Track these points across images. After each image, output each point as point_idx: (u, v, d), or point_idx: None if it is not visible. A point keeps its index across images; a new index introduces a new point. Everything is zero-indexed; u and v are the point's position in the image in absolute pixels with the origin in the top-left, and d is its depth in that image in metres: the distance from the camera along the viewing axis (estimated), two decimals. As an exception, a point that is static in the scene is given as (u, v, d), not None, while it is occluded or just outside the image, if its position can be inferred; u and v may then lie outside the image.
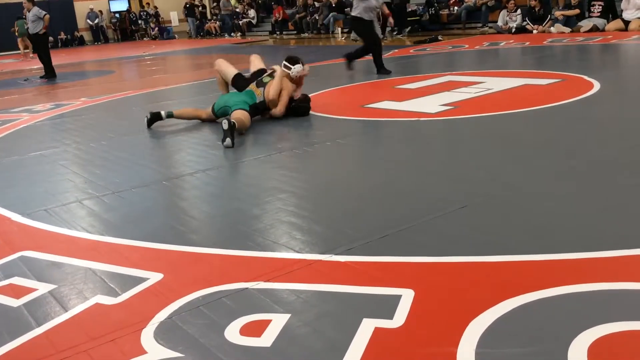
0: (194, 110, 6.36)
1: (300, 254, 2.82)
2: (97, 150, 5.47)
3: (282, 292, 2.45)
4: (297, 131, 5.71)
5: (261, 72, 6.49)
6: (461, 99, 6.30)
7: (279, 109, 5.98)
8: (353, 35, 14.56)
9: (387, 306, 2.26)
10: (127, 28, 28.74)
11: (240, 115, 5.47)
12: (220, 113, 5.96)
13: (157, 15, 28.47)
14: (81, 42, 27.50)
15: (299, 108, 6.12)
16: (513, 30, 13.59)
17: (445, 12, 16.68)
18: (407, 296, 2.31)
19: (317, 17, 20.15)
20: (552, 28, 12.92)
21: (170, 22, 28.59)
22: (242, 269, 2.73)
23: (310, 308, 2.32)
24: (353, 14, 8.80)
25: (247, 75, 6.47)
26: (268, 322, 2.22)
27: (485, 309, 2.17)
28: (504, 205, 3.24)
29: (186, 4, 26.52)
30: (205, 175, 4.36)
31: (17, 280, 2.79)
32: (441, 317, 2.17)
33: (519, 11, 13.82)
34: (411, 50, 12.37)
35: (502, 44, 12.02)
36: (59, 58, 16.29)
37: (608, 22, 12.33)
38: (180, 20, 28.41)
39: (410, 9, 16.66)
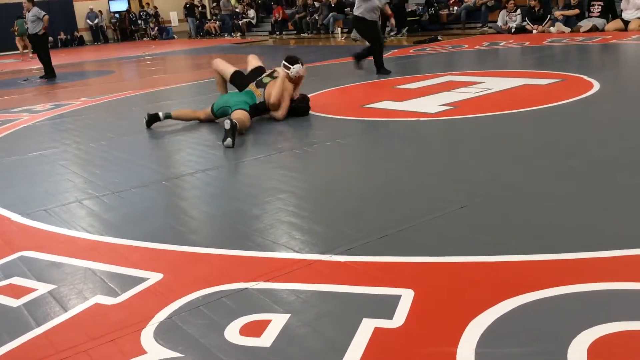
0: (192, 111, 6.36)
1: (300, 254, 2.82)
2: (96, 151, 5.47)
3: (281, 292, 2.45)
4: (297, 131, 5.71)
5: (259, 70, 6.49)
6: (461, 99, 6.30)
7: (281, 114, 5.98)
8: (353, 34, 14.54)
9: (386, 306, 2.26)
10: (126, 28, 28.73)
11: (240, 115, 5.47)
12: (219, 113, 5.96)
13: (156, 15, 28.46)
14: (81, 42, 27.49)
15: (298, 108, 6.12)
16: (513, 30, 13.59)
17: (444, 12, 16.67)
18: (406, 296, 2.31)
19: (316, 17, 20.15)
20: (551, 28, 12.92)
21: (170, 22, 28.58)
22: (242, 269, 2.73)
23: (310, 308, 2.32)
24: (355, 13, 8.79)
25: (245, 72, 6.48)
26: (268, 322, 2.22)
27: (485, 309, 2.17)
28: (504, 205, 3.24)
29: (186, 4, 26.52)
30: (205, 175, 4.36)
31: (16, 281, 2.79)
32: (441, 317, 2.17)
33: (518, 11, 13.82)
34: (411, 50, 12.37)
35: (501, 44, 12.03)
36: (58, 58, 16.29)
37: (608, 22, 12.33)
38: (180, 21, 28.40)
39: (409, 9, 16.66)
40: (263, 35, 22.81)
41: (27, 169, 4.99)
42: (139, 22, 28.54)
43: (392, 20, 10.24)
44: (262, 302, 2.38)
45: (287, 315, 2.26)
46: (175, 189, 4.15)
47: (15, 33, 21.49)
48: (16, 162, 5.27)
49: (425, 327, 2.12)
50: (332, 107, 6.49)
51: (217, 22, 25.10)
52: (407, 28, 16.21)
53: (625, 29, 11.87)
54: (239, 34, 23.65)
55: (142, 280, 2.66)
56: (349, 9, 18.06)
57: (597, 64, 8.94)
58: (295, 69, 6.16)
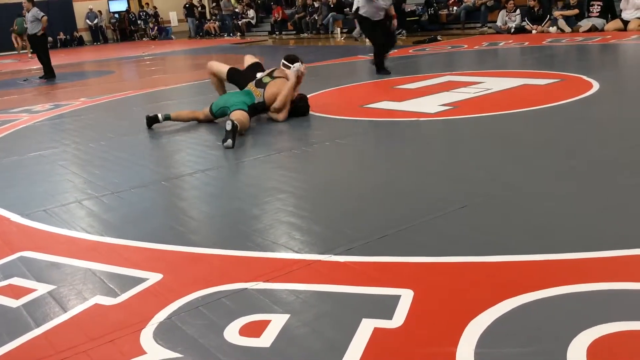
0: (191, 112, 6.35)
1: (299, 254, 2.82)
2: (96, 151, 5.47)
3: (281, 293, 2.45)
4: (296, 131, 5.71)
5: (256, 65, 6.49)
6: (460, 99, 6.30)
7: (282, 116, 5.97)
8: (355, 32, 14.52)
9: (386, 306, 2.25)
10: (126, 28, 28.72)
11: (239, 116, 5.46)
12: (219, 113, 5.96)
13: (156, 15, 28.45)
14: (80, 42, 27.48)
15: (298, 108, 6.12)
16: (512, 30, 13.59)
17: (444, 12, 16.67)
18: (406, 296, 2.31)
19: (316, 17, 20.15)
20: (551, 28, 12.92)
21: (169, 22, 28.57)
22: (241, 269, 2.73)
23: (309, 308, 2.32)
24: (360, 12, 8.78)
25: (241, 69, 6.48)
26: (267, 322, 2.22)
27: (485, 309, 2.17)
28: (504, 205, 3.24)
29: (186, 4, 26.51)
30: (204, 175, 4.36)
31: (16, 281, 2.79)
32: (440, 317, 2.17)
33: (518, 11, 13.82)
34: (410, 51, 12.37)
35: (501, 44, 12.03)
36: (58, 58, 16.29)
37: (607, 22, 12.33)
38: (179, 21, 28.39)
39: (409, 9, 16.65)
40: (262, 35, 22.81)
41: (27, 169, 4.99)
42: (139, 22, 28.53)
43: (395, 22, 10.22)
44: (261, 303, 2.38)
45: (287, 316, 2.25)
46: (174, 189, 4.15)
47: (15, 31, 21.53)
48: (16, 163, 5.27)
49: (424, 327, 2.12)
50: (332, 107, 6.49)
51: (217, 23, 25.10)
52: (401, 31, 16.16)
53: (625, 29, 11.87)
54: (238, 34, 23.65)
55: (141, 280, 2.66)
56: (348, 9, 18.06)
57: (596, 64, 8.94)
58: (296, 67, 6.15)
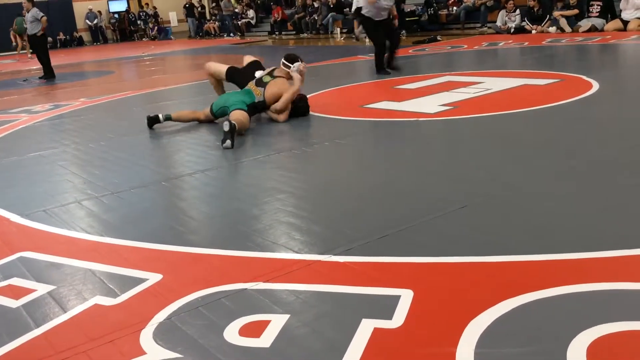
0: (192, 112, 6.34)
1: (299, 254, 2.82)
2: (96, 151, 5.47)
3: (281, 293, 2.45)
4: (296, 131, 5.71)
5: (255, 64, 6.49)
6: (460, 99, 6.30)
7: (283, 117, 5.97)
8: (357, 31, 14.50)
9: (386, 306, 2.25)
10: (126, 28, 28.71)
11: (239, 116, 5.46)
12: (219, 113, 5.95)
13: (156, 15, 28.44)
14: (80, 42, 27.47)
15: (298, 109, 6.11)
16: (512, 30, 13.59)
17: (444, 12, 16.66)
18: (406, 296, 2.31)
19: (316, 18, 20.15)
20: (550, 28, 12.92)
21: (169, 22, 28.57)
22: (241, 269, 2.73)
23: (309, 308, 2.32)
24: (362, 12, 8.77)
25: (240, 67, 6.48)
26: (267, 322, 2.22)
27: (485, 309, 2.17)
28: (504, 205, 3.24)
29: (186, 4, 26.51)
30: (204, 175, 4.36)
31: (16, 281, 2.78)
32: (440, 317, 2.17)
33: (517, 11, 13.82)
34: (410, 51, 12.37)
35: (501, 44, 12.03)
36: (58, 58, 16.28)
37: (607, 22, 12.33)
38: (179, 21, 28.38)
39: (409, 9, 16.64)
40: (262, 35, 22.81)
41: (27, 169, 4.99)
42: (138, 22, 28.52)
43: (396, 22, 10.20)
44: (261, 303, 2.38)
45: (287, 316, 2.25)
46: (174, 190, 4.15)
47: (14, 30, 21.56)
48: (15, 163, 5.27)
49: (424, 328, 2.12)
50: (332, 108, 6.49)
51: (217, 23, 25.09)
52: (401, 31, 16.17)
53: (625, 29, 11.87)
54: (238, 34, 23.65)
55: (141, 280, 2.66)
56: (348, 9, 18.05)
57: (596, 64, 8.94)
58: (296, 66, 6.15)
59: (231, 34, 23.53)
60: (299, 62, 6.18)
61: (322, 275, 2.58)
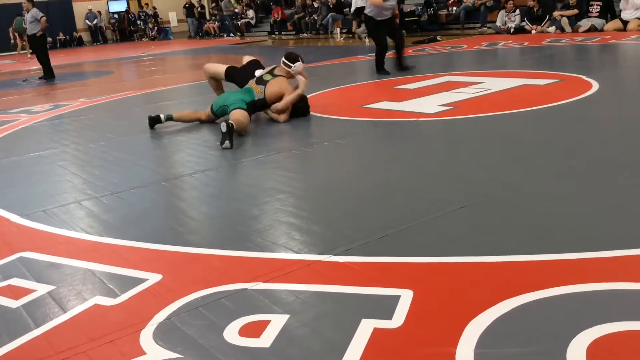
0: (193, 112, 6.33)
1: (299, 254, 2.82)
2: (95, 151, 5.46)
3: (281, 293, 2.45)
4: (295, 131, 5.71)
5: (254, 63, 6.49)
6: (460, 99, 6.30)
7: (283, 117, 5.96)
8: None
9: (386, 306, 2.25)
10: (125, 29, 28.70)
11: (238, 116, 5.45)
12: (219, 112, 5.94)
13: (155, 15, 28.44)
14: (80, 42, 27.45)
15: (298, 109, 6.11)
16: (512, 30, 13.59)
17: (443, 12, 16.66)
18: (405, 296, 2.31)
19: (315, 18, 20.14)
20: (550, 28, 12.91)
21: (169, 22, 28.56)
22: (241, 269, 2.73)
23: (309, 308, 2.32)
24: (365, 12, 8.75)
25: (238, 67, 6.48)
26: (267, 322, 2.22)
27: (485, 309, 2.17)
28: (504, 205, 3.24)
29: (186, 4, 26.51)
30: (204, 175, 4.36)
31: (15, 282, 2.78)
32: (440, 317, 2.17)
33: (517, 11, 13.82)
34: (410, 51, 12.35)
35: (500, 44, 12.03)
36: (57, 59, 16.28)
37: (606, 22, 12.32)
38: (179, 21, 28.37)
39: (408, 10, 16.64)
40: (262, 35, 22.81)
41: (26, 169, 4.99)
42: (138, 22, 28.52)
43: (397, 20, 10.18)
44: (261, 303, 2.38)
45: (287, 316, 2.25)
46: (174, 190, 4.15)
47: (13, 29, 21.59)
48: (15, 163, 5.27)
49: (424, 328, 2.11)
50: (331, 108, 6.49)
51: (216, 23, 25.09)
52: (403, 31, 16.18)
53: (624, 29, 11.87)
54: (238, 34, 23.65)
55: (141, 281, 2.66)
56: (348, 9, 18.06)
57: (596, 64, 8.94)
58: (297, 66, 6.15)
59: (231, 34, 23.53)
60: (300, 62, 6.17)
61: (322, 276, 2.58)
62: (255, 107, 5.90)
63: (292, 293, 2.44)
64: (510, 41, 12.20)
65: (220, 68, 6.60)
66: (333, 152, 4.83)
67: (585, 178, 3.58)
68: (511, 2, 13.89)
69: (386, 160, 4.49)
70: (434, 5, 16.66)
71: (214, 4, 27.22)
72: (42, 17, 12.43)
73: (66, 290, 2.66)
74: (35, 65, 14.67)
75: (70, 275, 2.80)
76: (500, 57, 10.58)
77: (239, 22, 23.91)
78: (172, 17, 28.71)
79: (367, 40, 15.82)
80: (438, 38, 14.16)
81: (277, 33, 21.75)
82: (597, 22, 12.33)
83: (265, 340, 2.11)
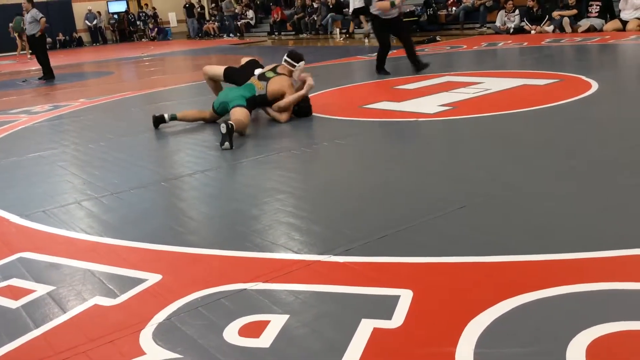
0: (198, 112, 6.31)
1: (298, 254, 2.82)
2: (95, 152, 5.46)
3: (280, 293, 2.45)
4: (295, 132, 5.71)
5: (253, 62, 6.49)
6: (460, 99, 6.30)
7: (284, 118, 5.96)
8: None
9: (385, 306, 2.25)
10: (125, 29, 28.69)
11: (239, 115, 5.43)
12: (220, 109, 5.91)
13: (155, 16, 28.43)
14: (79, 43, 27.45)
15: (300, 109, 6.11)
16: (511, 30, 13.59)
17: (443, 12, 16.66)
18: (405, 296, 2.31)
19: (315, 18, 20.15)
20: (548, 27, 12.91)
21: (168, 23, 28.56)
22: (240, 269, 2.73)
23: (308, 309, 2.32)
24: (371, 11, 8.73)
25: (238, 67, 6.49)
26: (267, 322, 2.22)
27: (484, 309, 2.17)
28: (504, 205, 3.24)
29: (186, 4, 26.52)
30: (203, 176, 4.36)
31: (15, 282, 2.78)
32: (440, 317, 2.17)
33: (517, 11, 13.82)
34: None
35: (500, 44, 12.03)
36: (57, 59, 16.28)
37: (606, 22, 12.33)
38: (178, 21, 28.37)
39: (408, 10, 16.63)
40: (262, 36, 22.82)
41: (26, 170, 4.99)
42: (138, 23, 28.52)
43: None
44: (260, 303, 2.38)
45: (286, 316, 2.25)
46: (174, 190, 4.15)
47: (12, 28, 21.62)
48: (15, 163, 5.26)
49: (424, 328, 2.11)
50: (331, 108, 6.48)
51: (216, 23, 25.09)
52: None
53: (624, 29, 11.86)
54: (237, 34, 23.65)
55: (141, 281, 2.66)
56: (347, 9, 18.06)
57: (595, 64, 8.94)
58: (301, 65, 6.16)
59: (230, 35, 23.53)
60: (303, 62, 6.19)
61: (321, 276, 2.58)
62: (255, 102, 5.86)
63: (291, 293, 2.44)
64: (509, 41, 12.20)
65: (219, 70, 6.61)
66: (333, 152, 4.83)
67: (585, 178, 3.58)
68: (510, 2, 13.90)
69: (386, 160, 4.49)
70: (434, 5, 16.67)
71: (213, 5, 27.22)
72: (41, 17, 12.43)
73: (66, 290, 2.65)
74: (35, 66, 14.67)
75: (70, 275, 2.80)
76: (500, 57, 10.58)
77: (239, 23, 23.92)
78: (172, 17, 28.71)
79: (366, 40, 15.85)
80: (437, 38, 14.16)
81: (276, 33, 21.75)
82: (597, 22, 12.33)
83: (265, 340, 2.11)
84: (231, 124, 5.08)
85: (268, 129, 5.81)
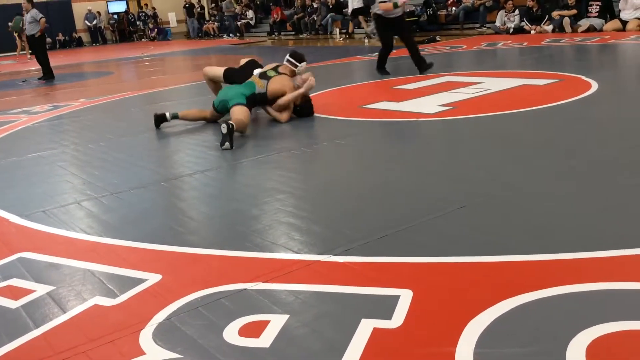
0: (199, 111, 6.31)
1: (298, 254, 2.81)
2: (95, 152, 5.46)
3: (280, 293, 2.45)
4: (295, 132, 5.71)
5: (253, 63, 6.50)
6: (460, 99, 6.30)
7: (285, 117, 5.96)
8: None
9: (385, 306, 2.25)
10: (125, 29, 28.68)
11: (239, 115, 5.43)
12: (220, 108, 5.90)
13: (155, 16, 28.43)
14: (79, 43, 27.44)
15: (302, 109, 6.10)
16: (511, 30, 13.60)
17: (443, 12, 16.66)
18: (405, 296, 2.31)
19: (315, 18, 20.15)
20: (548, 27, 12.91)
21: (168, 23, 28.55)
22: (240, 269, 2.73)
23: (308, 309, 2.32)
24: (373, 10, 8.71)
25: (238, 67, 6.50)
26: (267, 322, 2.22)
27: (484, 309, 2.17)
28: (504, 205, 3.24)
29: (186, 4, 26.51)
30: (203, 176, 4.36)
31: (15, 282, 2.78)
32: (440, 317, 2.17)
33: (516, 11, 13.83)
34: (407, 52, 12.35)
35: (500, 44, 12.03)
36: (57, 59, 16.28)
37: (606, 22, 12.33)
38: (178, 21, 28.37)
39: (408, 10, 16.62)
40: (261, 36, 22.82)
41: (26, 170, 4.99)
42: (138, 23, 28.51)
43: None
44: (260, 303, 2.38)
45: (286, 316, 2.25)
46: (174, 190, 4.15)
47: (11, 27, 21.62)
48: (15, 164, 5.26)
49: (424, 327, 2.11)
50: (331, 108, 6.48)
51: (216, 23, 25.09)
52: None
53: (624, 29, 11.87)
54: (237, 34, 23.65)
55: (140, 281, 2.66)
56: (347, 9, 18.05)
57: (595, 64, 8.95)
58: (302, 67, 6.17)
59: (230, 35, 23.52)
60: (305, 63, 6.20)
61: (321, 276, 2.58)
62: (255, 100, 5.85)
63: (291, 293, 2.44)
64: (509, 41, 12.21)
65: (219, 71, 6.62)
66: (333, 152, 4.83)
67: (585, 178, 3.58)
68: (510, 2, 13.90)
69: (386, 160, 4.49)
70: (433, 5, 16.67)
71: (213, 5, 27.22)
72: (41, 18, 12.43)
73: (66, 290, 2.65)
74: (34, 66, 14.67)
75: (70, 275, 2.80)
76: (500, 58, 10.58)
77: (239, 23, 23.91)
78: (172, 17, 28.70)
79: (366, 40, 15.85)
80: (437, 38, 14.17)
81: (276, 33, 21.75)
82: (597, 22, 12.33)
83: (265, 340, 2.11)
84: (231, 124, 5.08)
85: (268, 129, 5.81)
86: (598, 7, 12.52)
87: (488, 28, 14.89)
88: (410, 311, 2.21)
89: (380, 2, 8.40)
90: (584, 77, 6.85)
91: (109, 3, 28.87)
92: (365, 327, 2.12)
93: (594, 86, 6.31)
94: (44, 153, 5.53)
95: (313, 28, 20.26)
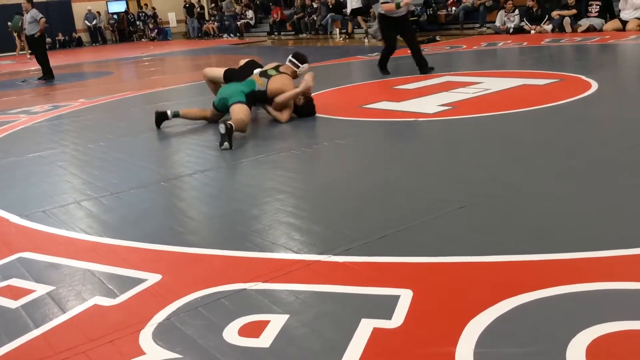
0: (201, 110, 6.31)
1: (298, 254, 2.81)
2: (95, 152, 5.46)
3: (280, 293, 2.45)
4: (295, 132, 5.71)
5: (252, 63, 6.51)
6: (459, 99, 6.30)
7: (285, 117, 5.96)
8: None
9: (385, 306, 2.25)
10: (125, 29, 28.69)
11: (239, 114, 5.42)
12: (220, 106, 5.89)
13: (155, 16, 28.43)
14: (79, 43, 27.45)
15: (303, 109, 6.10)
16: (511, 30, 13.60)
17: (443, 12, 16.66)
18: (405, 296, 2.31)
19: (315, 18, 20.15)
20: (547, 27, 12.91)
21: (168, 23, 28.55)
22: (240, 269, 2.73)
23: (308, 308, 2.32)
24: (377, 11, 8.70)
25: (237, 68, 6.50)
26: (266, 322, 2.22)
27: (484, 309, 2.17)
28: (503, 205, 3.24)
29: (186, 4, 26.50)
30: (203, 176, 4.36)
31: (15, 282, 2.78)
32: (440, 317, 2.17)
33: (516, 11, 13.83)
34: (409, 51, 12.34)
35: (500, 44, 12.03)
36: (56, 59, 16.28)
37: (606, 22, 12.33)
38: (178, 21, 28.37)
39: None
40: (261, 36, 22.82)
41: (26, 170, 4.99)
42: (137, 23, 28.51)
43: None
44: (260, 303, 2.38)
45: (286, 316, 2.25)
46: (173, 190, 4.14)
47: (10, 27, 21.62)
48: (14, 164, 5.26)
49: (424, 327, 2.11)
50: (331, 108, 6.48)
51: (216, 23, 25.09)
52: None
53: (623, 29, 11.87)
54: (237, 34, 23.65)
55: (140, 281, 2.66)
56: (346, 9, 18.06)
57: (595, 64, 8.94)
58: (304, 68, 6.17)
59: (230, 35, 23.52)
60: (307, 64, 6.20)
61: (321, 275, 2.58)
62: (255, 98, 5.84)
63: (291, 293, 2.44)
64: (509, 41, 12.21)
65: (219, 72, 6.63)
66: (333, 152, 4.83)
67: (585, 178, 3.58)
68: (510, 2, 13.91)
69: (386, 160, 4.49)
70: (433, 5, 16.67)
71: (213, 5, 27.22)
72: (41, 18, 12.43)
73: (65, 290, 2.65)
74: (34, 66, 14.67)
75: (70, 275, 2.80)
76: (500, 57, 10.58)
77: (239, 23, 23.91)
78: (172, 17, 28.69)
79: (366, 40, 15.86)
80: (437, 38, 14.17)
81: (276, 33, 21.76)
82: (596, 22, 12.34)
83: (265, 340, 2.11)
84: (230, 124, 5.08)
85: (268, 129, 5.81)
86: (598, 7, 12.52)
87: (488, 28, 14.89)
88: (410, 311, 2.21)
89: (382, 3, 8.40)
90: (583, 77, 6.85)
91: (108, 3, 28.87)
92: (365, 327, 2.12)
93: (594, 86, 6.31)
94: (44, 153, 5.53)
95: (313, 28, 20.26)
